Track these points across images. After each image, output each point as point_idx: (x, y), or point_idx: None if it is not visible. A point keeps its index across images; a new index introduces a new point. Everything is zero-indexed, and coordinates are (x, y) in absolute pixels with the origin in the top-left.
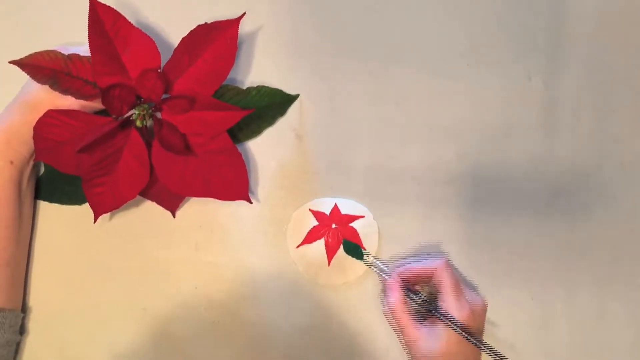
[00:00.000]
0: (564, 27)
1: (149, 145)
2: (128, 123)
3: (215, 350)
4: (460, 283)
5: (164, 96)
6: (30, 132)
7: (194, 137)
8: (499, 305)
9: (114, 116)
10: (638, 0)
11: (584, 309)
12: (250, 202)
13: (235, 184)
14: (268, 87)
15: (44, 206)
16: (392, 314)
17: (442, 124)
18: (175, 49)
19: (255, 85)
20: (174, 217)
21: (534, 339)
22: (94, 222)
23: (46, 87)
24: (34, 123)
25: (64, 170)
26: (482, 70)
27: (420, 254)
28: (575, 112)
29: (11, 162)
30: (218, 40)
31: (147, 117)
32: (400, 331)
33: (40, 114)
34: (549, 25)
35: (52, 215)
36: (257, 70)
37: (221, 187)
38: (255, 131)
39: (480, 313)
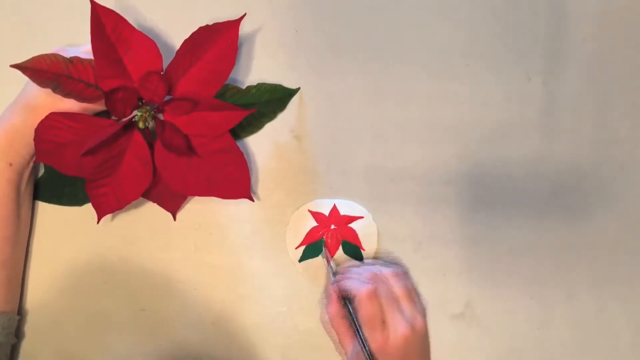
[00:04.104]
0: (564, 27)
1: (151, 146)
2: (130, 125)
3: (215, 350)
4: (399, 302)
5: (166, 98)
6: (31, 134)
7: (196, 137)
8: (499, 305)
9: (116, 118)
10: (638, 0)
11: (583, 309)
12: (252, 200)
13: (238, 183)
14: (267, 84)
15: (43, 207)
16: (329, 322)
17: (442, 124)
18: (178, 51)
19: (254, 84)
20: (175, 219)
21: (533, 338)
22: (97, 223)
23: (47, 90)
24: (35, 125)
25: (65, 172)
26: (482, 70)
27: (378, 262)
28: (575, 112)
29: (10, 164)
30: (219, 41)
31: (149, 119)
32: (336, 341)
33: (41, 116)
34: (549, 25)
35: (50, 217)
36: (257, 70)
37: (224, 186)
38: (257, 127)
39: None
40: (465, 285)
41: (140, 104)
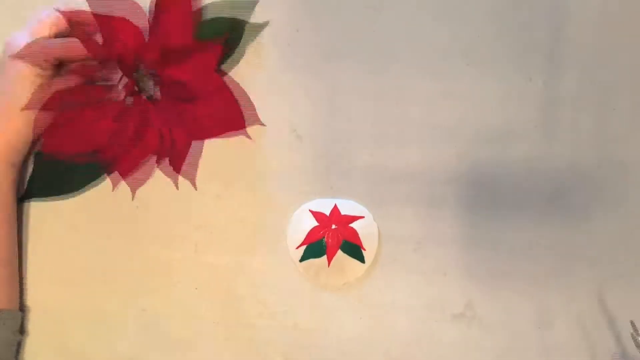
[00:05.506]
0: (564, 27)
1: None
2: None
3: (215, 350)
4: None
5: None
6: (29, 133)
7: (191, 83)
8: (499, 305)
9: (110, 83)
10: (638, 1)
11: (584, 309)
12: (250, 138)
13: (231, 117)
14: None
15: (44, 206)
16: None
17: (442, 124)
18: (150, 11)
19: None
20: (177, 188)
21: (533, 338)
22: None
23: (23, 85)
24: (30, 123)
25: (70, 150)
26: (482, 70)
27: None
28: (575, 112)
29: (13, 165)
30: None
31: (146, 80)
32: None
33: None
34: (549, 25)
35: (51, 216)
36: None
37: (220, 124)
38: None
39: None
40: (465, 285)
41: (135, 70)
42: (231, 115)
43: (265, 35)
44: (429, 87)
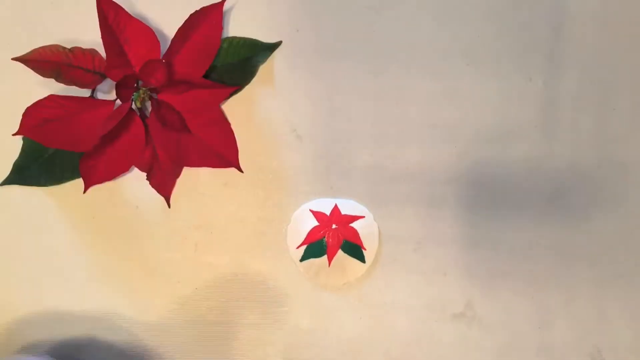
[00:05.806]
0: (564, 27)
1: (143, 121)
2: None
3: (216, 351)
4: None
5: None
6: None
7: (188, 113)
8: (499, 305)
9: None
10: (638, 1)
11: (583, 309)
12: (241, 171)
13: (227, 153)
14: (240, 38)
15: (43, 206)
16: None
17: (442, 124)
18: (173, 39)
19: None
20: (169, 206)
21: (533, 338)
22: (84, 192)
23: None
24: None
25: (48, 144)
26: (482, 70)
27: None
28: (575, 112)
29: None
30: (204, 24)
31: (146, 99)
32: None
33: None
34: (549, 25)
35: (49, 216)
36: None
37: (214, 156)
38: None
39: None
40: (465, 285)
41: (137, 85)
42: (224, 151)
43: (265, 35)
44: (429, 87)
